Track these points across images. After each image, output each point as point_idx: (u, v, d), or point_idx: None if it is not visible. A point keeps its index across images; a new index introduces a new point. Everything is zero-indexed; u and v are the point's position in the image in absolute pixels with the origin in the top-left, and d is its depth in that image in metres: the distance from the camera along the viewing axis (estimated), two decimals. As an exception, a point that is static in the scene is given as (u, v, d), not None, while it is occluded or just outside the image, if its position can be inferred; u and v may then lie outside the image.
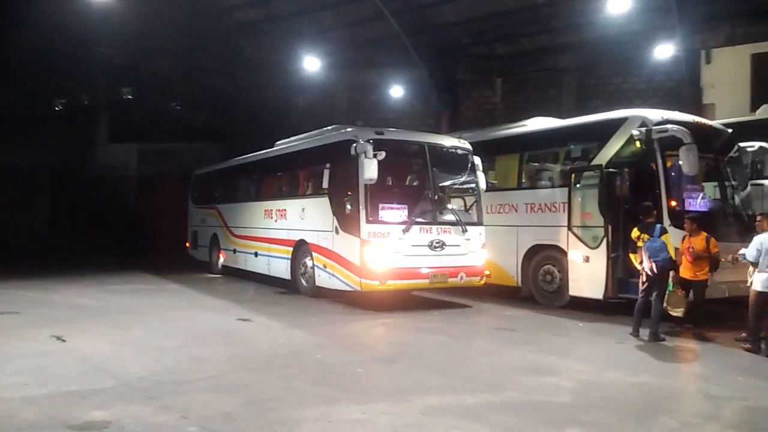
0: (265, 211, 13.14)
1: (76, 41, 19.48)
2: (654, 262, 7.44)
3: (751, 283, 7.10)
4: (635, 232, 7.89)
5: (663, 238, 7.57)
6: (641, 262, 7.70)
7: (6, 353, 6.48)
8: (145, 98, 24.02)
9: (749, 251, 7.06)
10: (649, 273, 7.52)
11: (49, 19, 17.61)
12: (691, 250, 7.78)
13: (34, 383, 5.31)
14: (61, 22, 17.67)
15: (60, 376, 5.54)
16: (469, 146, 10.74)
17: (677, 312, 7.60)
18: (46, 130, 23.83)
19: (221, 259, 15.56)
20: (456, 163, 10.53)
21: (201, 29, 20.48)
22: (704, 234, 7.88)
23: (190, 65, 22.58)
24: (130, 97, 23.99)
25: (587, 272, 9.53)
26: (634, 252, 8.02)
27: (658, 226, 7.78)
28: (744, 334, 7.52)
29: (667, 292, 7.63)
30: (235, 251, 14.71)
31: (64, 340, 7.13)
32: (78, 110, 25.34)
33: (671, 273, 7.64)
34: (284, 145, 13.41)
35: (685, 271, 7.90)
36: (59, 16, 17.21)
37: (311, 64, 19.11)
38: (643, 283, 7.76)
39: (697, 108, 14.57)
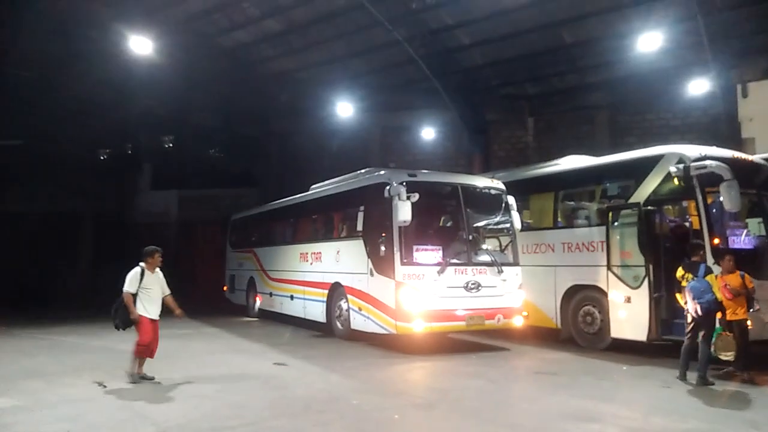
0: (301, 254, 13.27)
1: (119, 93, 20.40)
2: (699, 303, 7.19)
3: None
4: (680, 272, 7.67)
5: (708, 278, 7.33)
6: (686, 302, 7.46)
7: (48, 400, 6.61)
8: (185, 146, 24.83)
9: None
10: (694, 315, 7.27)
11: (95, 73, 18.52)
12: (728, 287, 7.50)
13: (75, 430, 5.38)
14: (106, 76, 18.58)
15: (101, 424, 5.62)
16: (502, 186, 10.73)
17: (727, 356, 7.30)
18: (91, 179, 24.84)
19: (258, 303, 15.68)
20: (490, 203, 10.50)
21: (238, 80, 21.23)
22: (738, 271, 7.60)
23: (228, 114, 23.33)
24: (170, 145, 24.83)
25: (629, 313, 9.26)
26: (680, 292, 7.76)
27: (703, 265, 7.55)
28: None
29: (714, 334, 7.35)
30: (271, 294, 14.82)
31: (105, 386, 7.24)
32: (121, 159, 26.35)
33: (718, 315, 7.38)
34: (318, 189, 13.62)
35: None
36: (105, 69, 18.11)
37: (344, 109, 19.53)
38: (689, 324, 7.50)
39: (736, 143, 14.27)
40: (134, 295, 7.55)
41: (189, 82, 20.30)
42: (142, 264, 7.73)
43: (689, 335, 7.50)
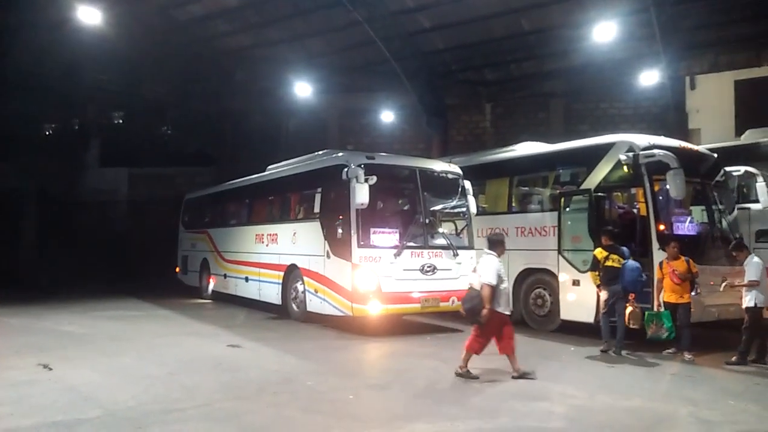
0: (256, 235, 13.10)
1: (67, 66, 19.52)
2: (639, 281, 7.94)
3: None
4: (602, 253, 8.24)
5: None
6: (611, 279, 8.07)
7: (-10, 382, 6.36)
8: (136, 123, 24.02)
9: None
10: (629, 293, 7.99)
11: (40, 43, 17.66)
12: (676, 272, 7.87)
13: (18, 413, 5.21)
14: (52, 47, 17.74)
15: (45, 406, 5.44)
16: (459, 170, 10.82)
17: (635, 325, 7.97)
18: (35, 155, 23.74)
19: (211, 284, 15.44)
20: (447, 187, 10.59)
21: (192, 55, 20.61)
22: (682, 257, 7.98)
23: (182, 90, 22.67)
24: (121, 121, 23.96)
25: (578, 296, 9.54)
26: (594, 270, 8.38)
27: (625, 248, 8.26)
28: (734, 359, 7.61)
29: (661, 316, 7.97)
30: (225, 276, 14.60)
31: (50, 369, 7.02)
32: (68, 134, 25.29)
33: (662, 297, 8.02)
34: (275, 170, 13.43)
35: (672, 295, 7.94)
36: (50, 40, 17.28)
37: (302, 89, 19.25)
38: (606, 301, 8.18)
39: (683, 133, 14.82)
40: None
41: (141, 56, 19.60)
42: (492, 252, 6.92)
43: (605, 311, 8.24)
